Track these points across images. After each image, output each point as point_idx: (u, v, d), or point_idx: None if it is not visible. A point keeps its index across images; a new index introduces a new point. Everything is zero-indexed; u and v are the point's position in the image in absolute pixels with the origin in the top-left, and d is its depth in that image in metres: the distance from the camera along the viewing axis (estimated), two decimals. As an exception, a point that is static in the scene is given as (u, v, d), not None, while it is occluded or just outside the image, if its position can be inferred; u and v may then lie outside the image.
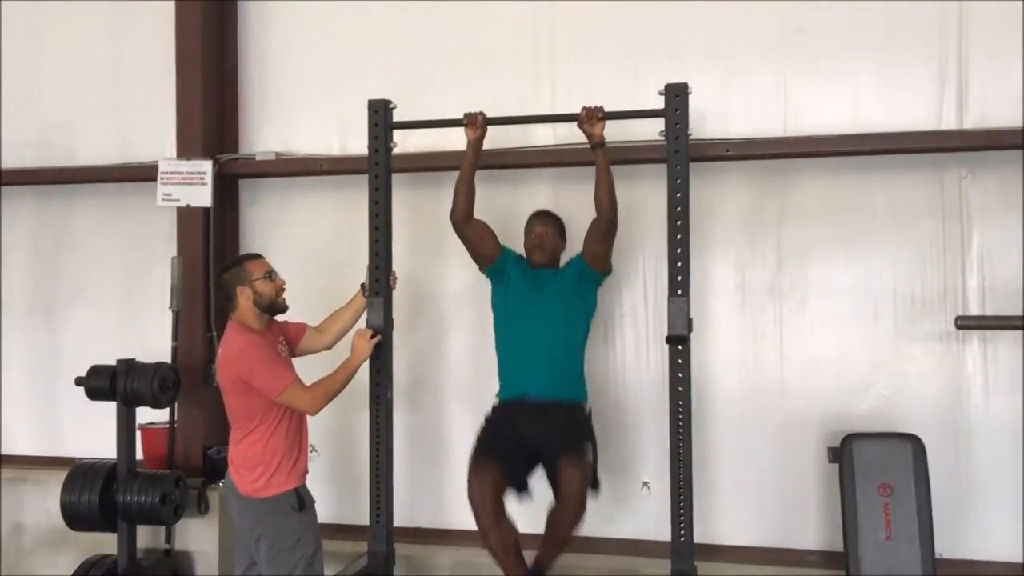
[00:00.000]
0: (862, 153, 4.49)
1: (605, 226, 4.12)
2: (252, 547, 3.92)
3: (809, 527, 4.58)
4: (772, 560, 4.57)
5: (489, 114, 4.19)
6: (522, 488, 4.04)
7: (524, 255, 4.39)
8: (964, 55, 4.43)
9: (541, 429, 3.98)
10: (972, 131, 4.39)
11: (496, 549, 3.94)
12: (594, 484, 4.01)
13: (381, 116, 4.23)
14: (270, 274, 3.95)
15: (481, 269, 4.37)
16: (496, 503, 3.90)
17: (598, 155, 4.06)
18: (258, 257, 4.03)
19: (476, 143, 4.20)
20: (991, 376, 4.41)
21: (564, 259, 4.39)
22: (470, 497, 3.91)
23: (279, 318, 4.05)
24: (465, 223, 4.23)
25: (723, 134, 4.62)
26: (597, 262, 4.21)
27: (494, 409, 4.21)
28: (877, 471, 4.13)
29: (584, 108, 4.03)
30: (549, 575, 4.07)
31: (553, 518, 3.95)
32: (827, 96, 4.58)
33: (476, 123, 4.16)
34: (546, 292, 4.20)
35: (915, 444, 4.14)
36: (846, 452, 4.18)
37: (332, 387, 3.89)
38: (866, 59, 4.53)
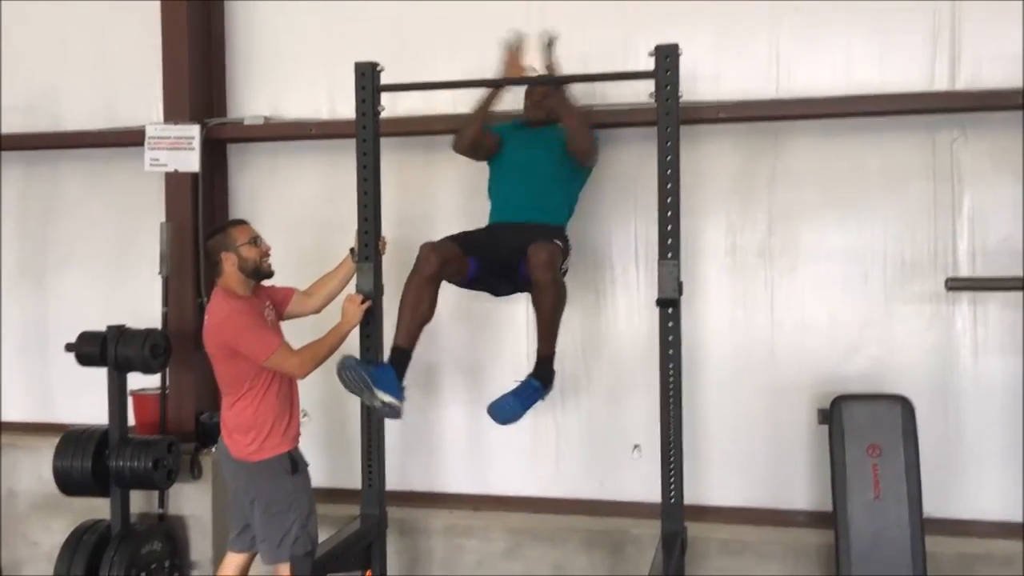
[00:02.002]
0: (854, 115, 4.46)
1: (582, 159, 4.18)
2: (247, 510, 3.96)
3: (798, 488, 4.61)
4: (762, 520, 4.61)
5: (479, 77, 4.16)
6: (479, 279, 4.07)
7: (519, 121, 4.41)
8: (957, 15, 4.39)
9: (517, 236, 3.97)
10: (964, 92, 4.37)
11: (406, 303, 3.88)
12: (562, 263, 4.03)
13: (368, 79, 4.19)
14: (255, 239, 3.94)
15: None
16: (436, 269, 3.85)
17: (559, 98, 4.09)
18: (243, 223, 4.03)
19: (491, 98, 4.23)
20: (980, 337, 4.43)
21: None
22: (418, 258, 3.88)
23: (266, 283, 4.05)
24: (472, 149, 4.27)
25: (714, 96, 4.59)
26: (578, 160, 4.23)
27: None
28: (866, 432, 4.15)
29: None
30: (552, 367, 4.06)
31: (535, 305, 3.95)
32: (819, 57, 4.55)
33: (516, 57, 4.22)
34: (539, 140, 4.24)
35: (904, 405, 4.17)
36: (835, 413, 4.20)
37: (320, 351, 3.89)
38: (859, 19, 4.48)
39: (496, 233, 4.15)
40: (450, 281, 4.01)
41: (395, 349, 3.88)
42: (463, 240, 4.05)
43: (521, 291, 4.11)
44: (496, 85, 4.26)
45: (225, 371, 3.88)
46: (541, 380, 4.01)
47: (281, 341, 3.83)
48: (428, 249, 3.88)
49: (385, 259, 4.31)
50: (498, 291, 4.23)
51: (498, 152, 4.34)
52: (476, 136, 4.21)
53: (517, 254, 3.89)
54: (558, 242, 4.00)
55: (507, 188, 4.27)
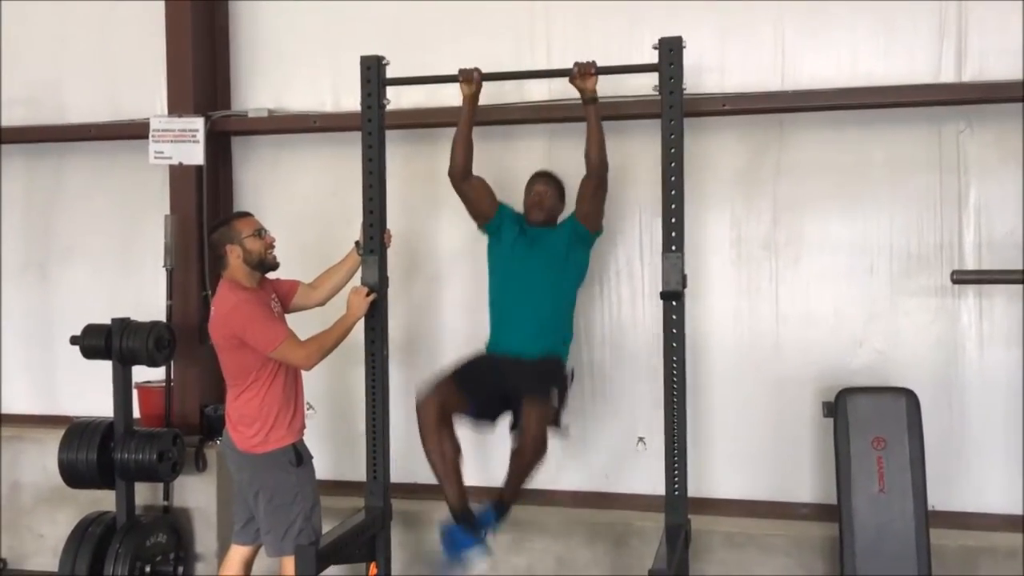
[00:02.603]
0: (859, 107, 4.45)
1: (595, 182, 4.12)
2: (251, 502, 3.96)
3: (803, 480, 4.61)
4: (766, 513, 4.61)
5: (484, 70, 4.15)
6: (480, 416, 4.13)
7: (521, 213, 4.37)
8: (963, 7, 4.37)
9: (514, 377, 4.03)
10: (971, 84, 4.35)
11: (436, 457, 4.01)
12: (556, 423, 4.08)
13: (374, 72, 4.19)
14: (259, 231, 3.94)
15: (479, 226, 4.36)
16: (442, 414, 3.98)
17: (589, 110, 4.04)
18: (247, 215, 4.03)
19: (472, 99, 4.17)
20: (986, 330, 4.42)
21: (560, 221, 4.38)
22: (418, 408, 4.01)
23: (271, 275, 4.05)
24: (464, 180, 4.22)
25: (719, 88, 4.58)
26: (588, 220, 4.21)
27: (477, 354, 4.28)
28: (871, 425, 4.15)
29: (576, 63, 4.00)
30: (506, 513, 4.13)
31: (514, 452, 4.00)
32: (825, 49, 4.54)
33: (471, 79, 4.13)
34: (539, 250, 4.21)
35: (909, 398, 4.16)
36: (840, 406, 4.20)
37: (327, 343, 3.90)
38: (864, 11, 4.47)
39: (493, 372, 4.14)
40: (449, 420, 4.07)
41: (455, 515, 4.05)
42: (460, 377, 4.10)
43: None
44: (501, 79, 4.26)
45: (231, 362, 3.88)
46: (497, 517, 4.11)
47: (288, 332, 3.84)
48: (424, 401, 4.02)
49: (390, 251, 4.31)
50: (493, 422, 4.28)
51: (496, 231, 4.31)
52: (466, 156, 4.16)
53: (512, 401, 4.00)
54: (554, 393, 4.01)
55: (509, 305, 4.23)
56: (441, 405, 4.00)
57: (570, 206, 4.33)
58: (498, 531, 4.16)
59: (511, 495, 4.08)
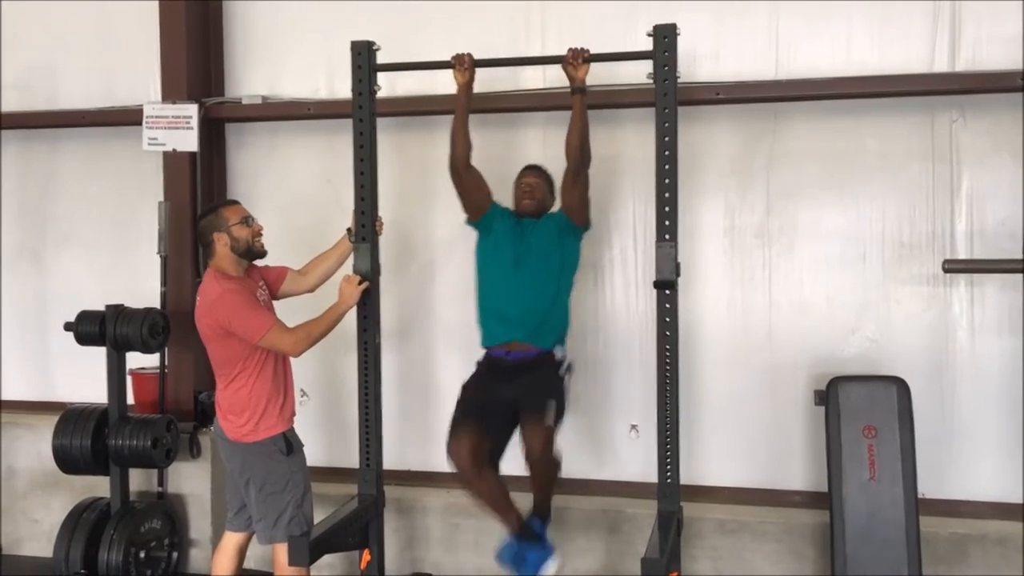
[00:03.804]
0: (853, 96, 4.45)
1: (574, 170, 4.06)
2: (242, 490, 3.96)
3: (795, 468, 4.64)
4: (758, 500, 4.64)
5: (478, 57, 4.13)
6: (497, 453, 4.10)
7: (511, 209, 4.33)
8: (958, -6, 4.38)
9: (516, 390, 4.01)
10: (964, 74, 4.35)
11: (484, 498, 4.03)
12: (559, 419, 4.06)
13: (364, 58, 4.17)
14: (246, 219, 3.93)
15: (469, 220, 4.30)
16: (475, 456, 3.96)
17: (576, 99, 4.00)
18: (234, 203, 4.02)
19: (466, 87, 4.13)
20: (977, 319, 4.44)
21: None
22: (449, 455, 4.00)
23: (260, 262, 4.04)
24: (465, 170, 4.17)
25: (714, 76, 4.58)
26: (572, 213, 4.15)
27: (478, 364, 4.24)
28: (862, 413, 4.17)
29: (570, 49, 3.97)
30: (548, 517, 4.15)
31: (531, 476, 4.00)
32: (819, 37, 4.54)
33: (464, 64, 4.10)
34: (529, 243, 4.17)
35: (900, 386, 4.18)
36: (832, 394, 4.21)
37: (315, 330, 3.89)
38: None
39: (496, 383, 4.10)
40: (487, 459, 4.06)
41: (519, 536, 4.04)
42: (473, 415, 4.04)
43: None
44: (493, 65, 4.25)
45: (218, 352, 3.88)
46: (543, 524, 4.14)
47: (275, 320, 3.83)
48: (456, 451, 3.98)
49: (382, 239, 4.31)
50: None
51: (487, 227, 4.26)
52: (466, 144, 4.11)
53: (515, 413, 3.99)
54: (553, 406, 3.96)
55: (501, 299, 4.16)
56: (472, 450, 3.95)
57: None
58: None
59: (544, 506, 4.12)
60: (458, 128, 4.14)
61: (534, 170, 4.36)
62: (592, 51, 3.97)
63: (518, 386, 4.02)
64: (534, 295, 4.12)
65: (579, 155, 4.03)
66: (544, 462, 3.89)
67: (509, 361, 4.11)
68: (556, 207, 4.31)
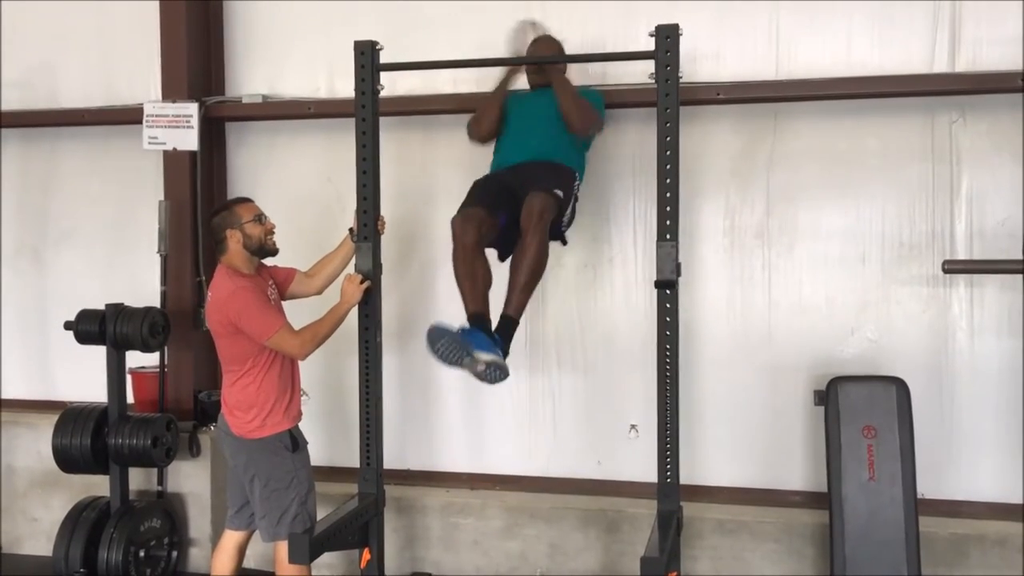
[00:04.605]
0: (854, 97, 4.45)
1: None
2: (246, 487, 3.97)
3: (794, 468, 4.64)
4: (757, 500, 4.64)
5: (480, 56, 4.14)
6: (505, 241, 4.08)
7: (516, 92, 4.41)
8: (957, -5, 4.39)
9: (528, 176, 4.03)
10: (964, 74, 4.36)
11: (462, 276, 3.93)
12: (562, 239, 4.07)
13: (368, 57, 4.17)
14: (259, 217, 3.95)
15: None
16: (478, 235, 3.91)
17: (550, 76, 4.15)
18: (248, 201, 4.03)
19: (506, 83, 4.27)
20: (976, 319, 4.44)
21: None
22: (453, 228, 3.94)
23: (269, 262, 4.05)
24: (484, 142, 4.30)
25: (715, 76, 4.59)
26: (571, 126, 4.19)
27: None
28: (862, 413, 4.18)
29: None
30: (511, 335, 3.97)
31: (513, 260, 3.98)
32: (820, 37, 4.54)
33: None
34: (542, 103, 4.22)
35: (899, 386, 4.18)
36: (831, 395, 4.22)
37: (320, 332, 3.90)
38: (859, 0, 4.47)
39: (507, 178, 4.12)
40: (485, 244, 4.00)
41: (472, 316, 3.86)
42: (484, 199, 4.03)
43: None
44: (496, 64, 4.26)
45: (228, 348, 3.89)
46: (502, 339, 3.87)
47: (283, 322, 3.84)
48: (461, 223, 3.92)
49: (384, 238, 4.31)
50: (506, 250, 4.16)
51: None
52: (495, 121, 4.21)
53: (521, 196, 3.93)
54: (559, 192, 3.96)
55: (513, 139, 4.26)
56: (478, 230, 3.91)
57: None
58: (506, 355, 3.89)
59: (516, 310, 3.94)
60: (491, 108, 4.26)
61: (545, 39, 4.41)
62: (593, 50, 3.98)
63: (531, 170, 4.03)
64: (547, 137, 4.16)
65: (584, 130, 4.14)
66: (534, 231, 3.82)
67: (524, 164, 4.12)
68: None
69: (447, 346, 3.72)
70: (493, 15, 4.84)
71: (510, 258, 4.04)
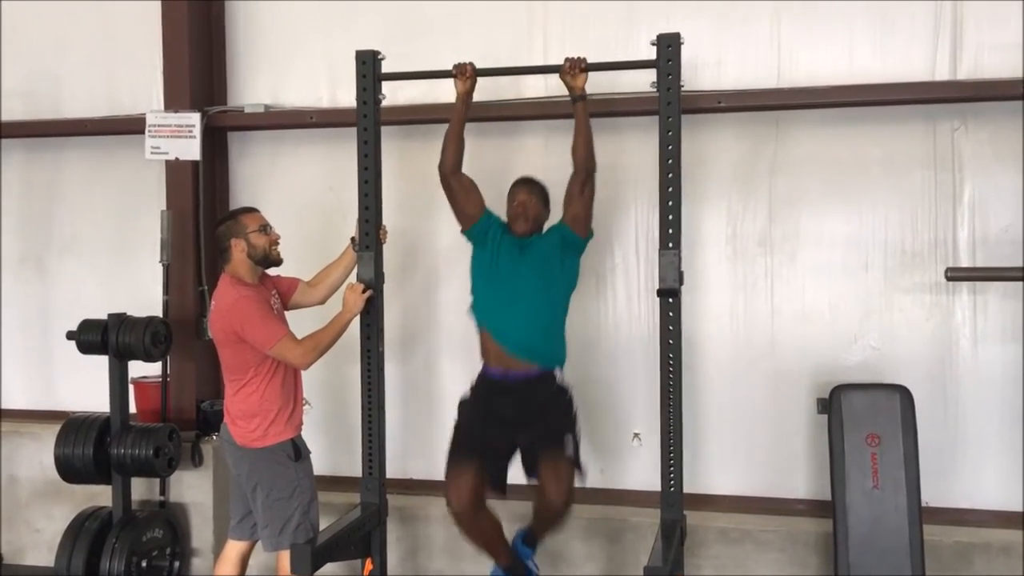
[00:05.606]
0: (855, 104, 4.46)
1: (582, 178, 3.96)
2: (249, 496, 3.96)
3: (798, 476, 4.63)
4: (761, 509, 4.63)
5: (481, 65, 4.13)
6: (498, 484, 4.04)
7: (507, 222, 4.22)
8: (959, 4, 4.37)
9: (521, 415, 3.95)
10: (966, 82, 4.36)
11: (477, 538, 4.02)
12: (578, 466, 3.98)
13: (369, 67, 4.18)
14: (265, 227, 3.96)
15: (463, 229, 4.19)
16: (473, 498, 3.91)
17: (578, 107, 3.95)
18: (253, 211, 4.04)
19: (465, 95, 4.09)
20: (980, 327, 4.44)
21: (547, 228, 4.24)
22: (448, 500, 3.95)
23: (272, 272, 4.05)
24: (452, 175, 4.09)
25: (716, 84, 4.59)
26: (578, 222, 4.02)
27: (472, 389, 4.12)
28: (865, 421, 4.17)
29: (567, 59, 3.94)
30: (537, 546, 4.19)
31: (540, 511, 3.96)
32: (822, 45, 4.54)
33: (466, 74, 4.07)
34: (528, 260, 4.04)
35: (903, 394, 4.17)
36: (835, 403, 4.21)
37: (323, 341, 3.90)
38: (861, 8, 4.47)
39: (496, 406, 4.02)
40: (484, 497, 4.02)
41: (504, 569, 4.07)
42: (474, 447, 3.98)
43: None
44: (498, 75, 4.25)
45: (231, 357, 3.89)
46: (532, 551, 4.18)
47: (286, 331, 3.84)
48: (453, 488, 3.93)
49: (386, 248, 4.32)
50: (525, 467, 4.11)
51: (481, 239, 4.13)
52: (457, 152, 4.06)
53: (523, 440, 3.96)
54: (569, 442, 3.93)
55: (499, 317, 4.04)
56: (472, 492, 3.90)
57: (556, 212, 4.17)
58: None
59: (541, 536, 4.14)
60: (453, 135, 4.08)
61: (526, 185, 4.19)
62: (594, 58, 3.97)
63: (523, 410, 3.94)
64: (531, 314, 4.00)
65: (586, 161, 3.96)
66: (563, 503, 3.84)
67: (508, 383, 4.01)
68: (553, 220, 4.20)
69: None
70: (493, 22, 4.86)
71: (533, 477, 3.96)
